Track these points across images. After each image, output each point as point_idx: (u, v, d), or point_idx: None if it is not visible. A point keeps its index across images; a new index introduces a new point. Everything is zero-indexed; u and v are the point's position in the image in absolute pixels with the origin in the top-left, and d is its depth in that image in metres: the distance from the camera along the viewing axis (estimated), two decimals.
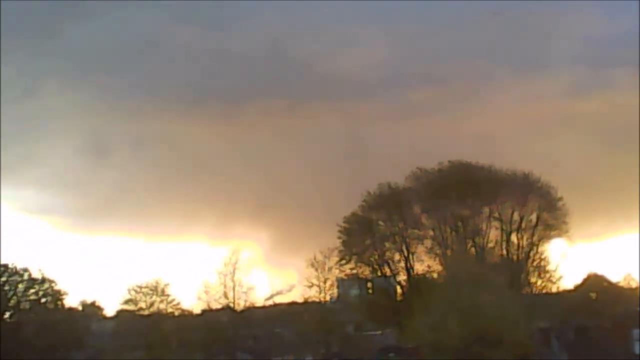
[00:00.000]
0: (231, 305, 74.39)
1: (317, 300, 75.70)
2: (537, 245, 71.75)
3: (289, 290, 78.60)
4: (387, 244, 72.71)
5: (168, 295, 75.51)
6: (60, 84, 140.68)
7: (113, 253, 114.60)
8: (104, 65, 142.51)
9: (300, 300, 78.76)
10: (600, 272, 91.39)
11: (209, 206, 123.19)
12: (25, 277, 72.91)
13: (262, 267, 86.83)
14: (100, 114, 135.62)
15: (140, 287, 75.47)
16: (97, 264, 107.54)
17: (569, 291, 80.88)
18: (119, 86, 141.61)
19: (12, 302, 72.84)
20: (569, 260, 72.59)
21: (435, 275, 70.87)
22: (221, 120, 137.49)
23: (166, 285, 75.50)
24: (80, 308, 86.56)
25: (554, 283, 73.29)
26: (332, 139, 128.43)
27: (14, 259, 73.40)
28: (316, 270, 74.12)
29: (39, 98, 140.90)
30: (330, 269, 74.27)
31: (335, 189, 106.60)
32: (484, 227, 71.31)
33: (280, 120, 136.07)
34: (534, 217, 71.67)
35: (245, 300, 74.66)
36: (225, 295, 73.93)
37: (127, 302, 75.85)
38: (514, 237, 71.34)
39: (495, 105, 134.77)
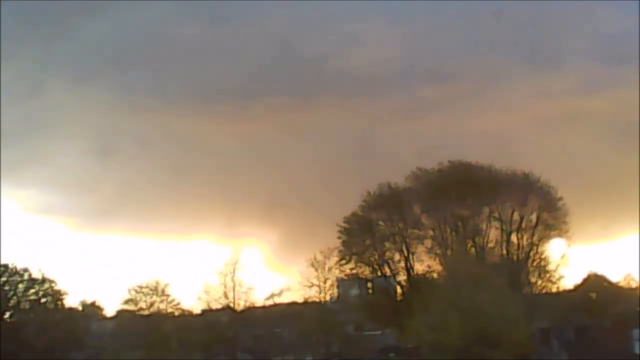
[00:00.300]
0: (231, 305, 74.42)
1: (317, 300, 75.66)
2: (537, 245, 71.70)
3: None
4: (387, 244, 72.66)
5: (168, 295, 75.64)
6: (67, 81, 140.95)
7: (119, 252, 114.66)
8: (111, 63, 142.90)
9: (300, 300, 78.78)
10: (600, 272, 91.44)
11: (217, 205, 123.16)
12: (25, 277, 72.93)
13: (269, 266, 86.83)
14: (107, 112, 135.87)
15: (141, 287, 75.56)
16: (102, 263, 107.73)
17: (569, 291, 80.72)
18: (126, 84, 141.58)
19: (12, 302, 72.82)
20: (569, 261, 72.65)
21: (435, 275, 70.85)
22: (229, 118, 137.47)
23: (166, 285, 75.65)
24: (80, 308, 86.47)
25: (554, 283, 73.23)
26: (341, 138, 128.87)
27: (16, 259, 73.70)
28: (316, 270, 74.17)
29: (45, 96, 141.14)
30: (330, 269, 74.29)
31: (344, 188, 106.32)
32: (484, 227, 71.31)
33: (289, 119, 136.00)
34: (534, 217, 71.64)
35: (245, 300, 74.80)
36: (226, 295, 73.99)
37: (127, 302, 75.94)
38: (514, 237, 71.30)
39: (504, 102, 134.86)
